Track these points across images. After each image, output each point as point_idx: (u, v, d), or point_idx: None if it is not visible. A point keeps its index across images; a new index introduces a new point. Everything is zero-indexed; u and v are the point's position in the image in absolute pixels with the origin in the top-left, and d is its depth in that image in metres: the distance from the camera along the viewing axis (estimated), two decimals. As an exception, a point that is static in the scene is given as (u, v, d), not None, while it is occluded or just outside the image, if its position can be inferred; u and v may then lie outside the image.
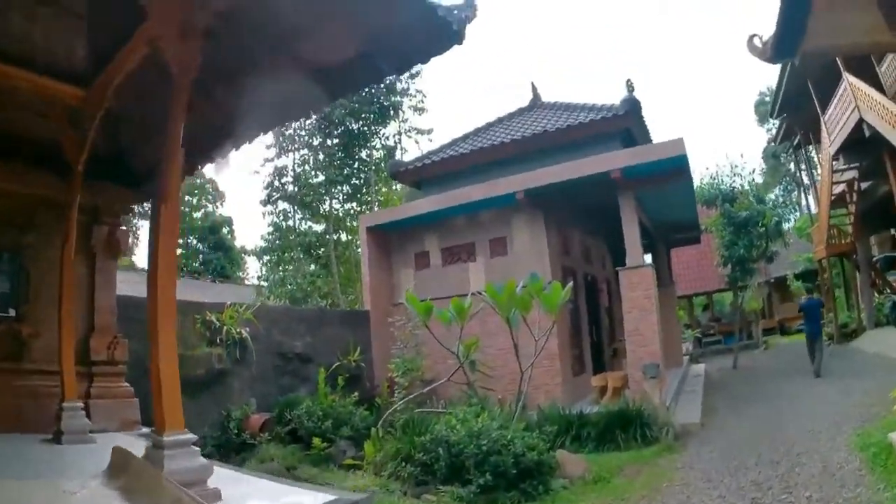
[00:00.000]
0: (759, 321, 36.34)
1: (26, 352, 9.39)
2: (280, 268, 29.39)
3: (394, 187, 31.14)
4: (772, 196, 30.49)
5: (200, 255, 55.84)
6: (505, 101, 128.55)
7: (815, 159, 33.64)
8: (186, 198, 58.53)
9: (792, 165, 58.60)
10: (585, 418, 13.27)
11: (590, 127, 18.60)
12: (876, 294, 26.78)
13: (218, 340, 13.67)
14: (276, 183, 29.35)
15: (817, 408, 13.93)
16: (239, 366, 14.12)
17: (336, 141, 29.99)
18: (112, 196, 10.51)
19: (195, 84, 6.33)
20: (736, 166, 26.00)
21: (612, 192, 16.52)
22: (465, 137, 21.79)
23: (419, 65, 7.92)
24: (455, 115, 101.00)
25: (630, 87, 18.16)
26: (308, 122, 29.39)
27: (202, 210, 59.07)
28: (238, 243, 56.23)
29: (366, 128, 30.49)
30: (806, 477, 8.67)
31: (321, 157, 29.63)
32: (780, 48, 8.51)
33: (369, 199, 30.10)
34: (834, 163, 24.49)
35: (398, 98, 31.48)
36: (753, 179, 26.33)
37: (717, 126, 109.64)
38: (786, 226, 28.31)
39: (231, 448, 12.44)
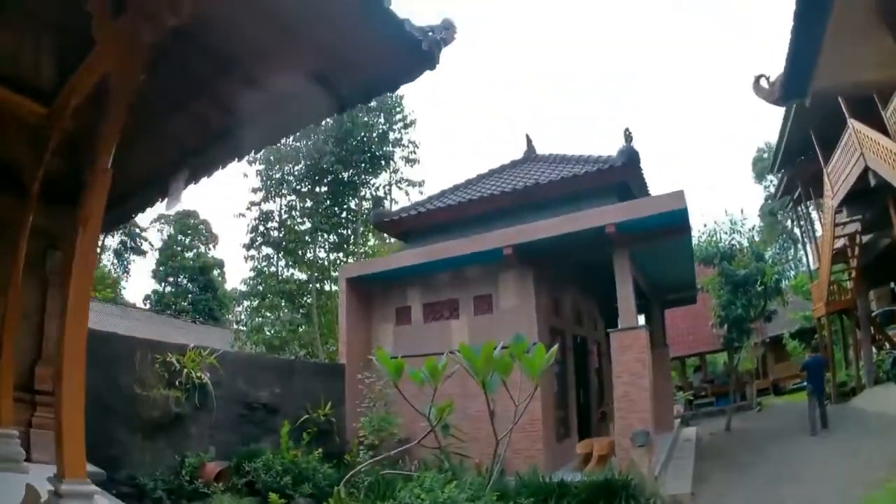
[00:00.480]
0: (754, 382, 35.22)
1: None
2: (259, 314, 28.08)
3: (386, 240, 30.07)
4: (769, 253, 29.14)
5: (190, 296, 55.20)
6: (502, 152, 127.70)
7: (815, 215, 33.00)
8: (179, 237, 58.09)
9: (789, 223, 58.27)
10: (567, 488, 12.20)
11: (584, 180, 17.60)
12: (875, 350, 25.87)
13: (177, 383, 12.83)
14: (262, 227, 28.29)
15: (818, 474, 13.08)
16: (199, 411, 13.26)
17: (325, 189, 29.11)
18: (70, 221, 9.44)
19: (140, 108, 5.88)
20: (735, 223, 24.99)
21: (606, 248, 15.59)
22: (455, 189, 20.88)
23: (387, 92, 6.88)
24: (449, 166, 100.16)
25: (628, 136, 17.14)
26: (297, 167, 28.47)
27: (194, 250, 58.38)
28: (229, 286, 54.64)
29: (356, 177, 29.69)
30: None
31: (308, 203, 28.62)
32: (789, 88, 8.10)
33: (356, 250, 29.13)
34: (836, 216, 23.63)
35: (390, 148, 30.71)
36: (753, 237, 25.18)
37: (713, 184, 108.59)
38: (784, 283, 27.00)
39: (183, 495, 11.74)
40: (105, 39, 5.56)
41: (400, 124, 30.67)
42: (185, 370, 13.07)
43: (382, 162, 30.19)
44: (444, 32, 6.24)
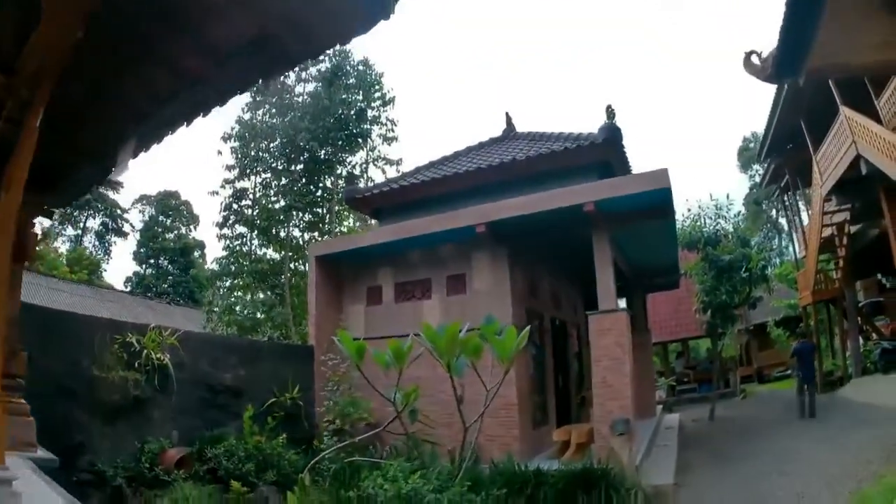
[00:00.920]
0: (737, 369, 35.10)
1: None
2: (231, 294, 27.11)
3: (365, 221, 29.12)
4: (754, 240, 28.43)
5: (170, 278, 54.53)
6: (484, 132, 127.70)
7: (801, 205, 32.77)
8: (160, 218, 57.36)
9: (774, 212, 57.97)
10: (543, 477, 11.31)
11: (564, 157, 16.66)
12: (862, 341, 25.31)
13: (136, 365, 12.11)
14: (235, 206, 27.32)
15: (807, 465, 12.34)
16: (160, 395, 12.59)
17: (301, 167, 28.13)
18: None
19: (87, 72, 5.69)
20: (720, 208, 24.09)
21: (585, 228, 14.77)
22: (430, 165, 19.88)
23: (340, 44, 5.99)
24: (428, 145, 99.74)
25: (610, 113, 16.22)
26: (272, 144, 27.55)
27: (175, 232, 57.62)
28: (209, 267, 53.55)
29: (332, 155, 28.74)
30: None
31: (284, 182, 27.68)
32: (782, 65, 7.85)
33: (332, 229, 28.23)
34: (825, 204, 23.15)
35: (368, 125, 29.77)
36: (739, 223, 24.37)
37: (698, 173, 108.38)
38: (770, 270, 26.31)
39: (143, 483, 11.03)
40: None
41: (378, 102, 29.82)
42: (145, 351, 12.37)
43: (360, 140, 29.32)
44: (401, -23, 5.34)
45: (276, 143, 27.51)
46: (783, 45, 7.38)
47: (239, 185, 27.81)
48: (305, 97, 28.79)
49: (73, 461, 9.92)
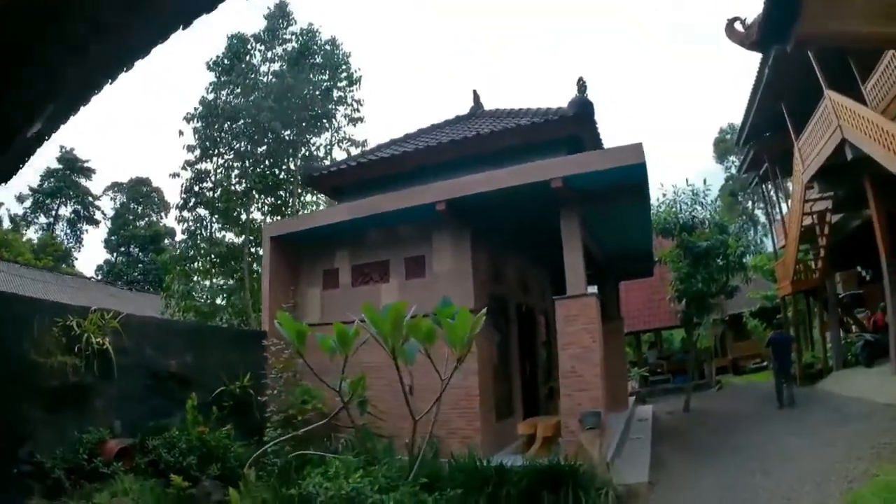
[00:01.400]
0: (713, 360, 34.34)
1: None
2: (190, 279, 25.86)
3: (330, 204, 27.92)
4: (732, 228, 27.51)
5: (140, 265, 53.48)
6: (452, 113, 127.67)
7: (776, 197, 32.03)
8: (132, 205, 56.52)
9: (750, 204, 57.59)
10: (506, 474, 10.48)
11: (531, 132, 15.52)
12: (843, 333, 24.72)
13: (76, 350, 11.12)
14: (196, 188, 26.11)
15: (792, 463, 11.56)
16: (102, 382, 11.57)
17: (264, 148, 27.06)
18: None
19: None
20: (697, 193, 23.00)
21: (553, 207, 13.61)
22: (392, 143, 18.58)
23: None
24: (394, 127, 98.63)
25: (581, 86, 15.09)
26: (235, 125, 26.27)
27: (146, 219, 56.59)
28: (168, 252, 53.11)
29: (296, 136, 27.67)
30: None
31: (246, 163, 26.43)
32: (769, 31, 7.49)
33: (294, 212, 26.90)
34: (807, 192, 22.29)
35: (333, 106, 28.77)
36: (717, 209, 23.34)
37: (673, 163, 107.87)
38: (748, 258, 25.43)
39: (83, 475, 10.12)
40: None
41: (345, 82, 28.79)
42: (86, 335, 11.37)
43: (324, 120, 28.29)
44: None
45: (240, 123, 26.35)
46: (770, 10, 7.04)
47: (201, 166, 26.71)
48: (271, 77, 27.72)
49: (13, 451, 9.48)
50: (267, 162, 26.81)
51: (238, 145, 26.63)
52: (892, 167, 14.54)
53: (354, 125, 29.35)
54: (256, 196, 26.70)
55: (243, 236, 25.97)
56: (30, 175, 54.94)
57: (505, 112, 18.04)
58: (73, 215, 59.53)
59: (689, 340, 26.04)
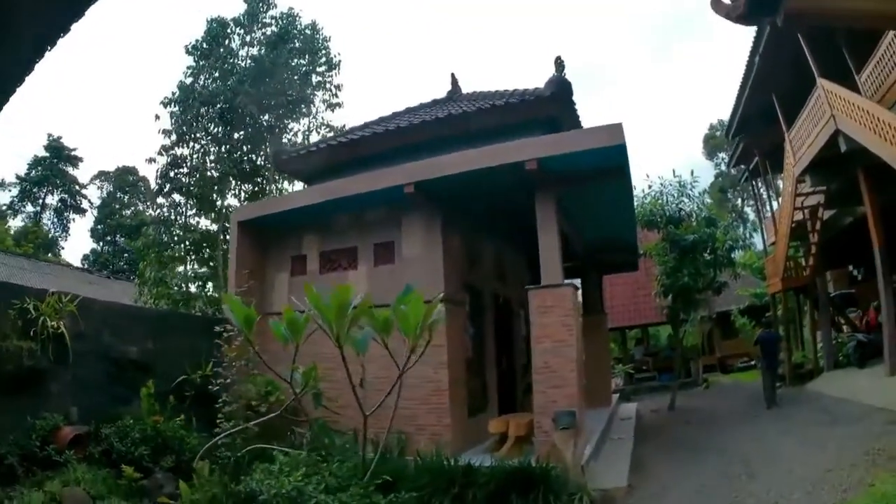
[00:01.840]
0: (700, 357, 33.84)
1: None
2: (163, 266, 24.97)
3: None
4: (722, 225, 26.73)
5: (126, 255, 52.67)
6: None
7: (766, 194, 31.89)
8: (118, 195, 55.87)
9: (739, 201, 57.21)
10: (474, 474, 9.87)
11: (506, 113, 14.73)
12: (834, 333, 23.96)
13: (32, 333, 11.00)
14: (171, 173, 25.28)
15: (781, 467, 10.80)
16: (58, 367, 11.41)
17: (242, 133, 26.37)
18: None
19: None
20: (684, 185, 22.22)
21: (529, 191, 12.74)
22: (365, 126, 17.79)
23: None
24: (373, 113, 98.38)
25: (559, 65, 14.28)
26: (212, 109, 25.51)
27: (132, 208, 55.84)
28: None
29: (274, 122, 26.97)
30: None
31: (223, 149, 25.74)
32: (756, 2, 7.37)
33: (270, 197, 26.00)
34: (798, 186, 21.53)
35: (311, 91, 28.10)
36: (704, 202, 22.51)
37: (662, 160, 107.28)
38: (736, 253, 24.65)
39: (36, 462, 10.10)
40: None
41: (324, 67, 28.09)
42: (42, 318, 11.20)
43: (302, 106, 27.56)
44: None
45: (217, 108, 25.60)
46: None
47: (177, 151, 25.92)
48: (249, 62, 26.93)
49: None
50: (244, 148, 26.17)
51: (215, 130, 25.89)
52: (888, 158, 13.86)
53: (333, 111, 28.65)
54: (233, 182, 25.96)
55: (218, 224, 25.15)
56: (18, 164, 54.35)
57: (483, 95, 17.17)
58: (59, 204, 58.59)
59: (675, 337, 25.18)
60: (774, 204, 28.95)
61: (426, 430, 12.62)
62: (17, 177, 56.37)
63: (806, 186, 21.66)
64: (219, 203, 25.48)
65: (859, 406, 15.06)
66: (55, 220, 58.99)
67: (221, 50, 26.74)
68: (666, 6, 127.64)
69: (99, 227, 55.50)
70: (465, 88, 18.95)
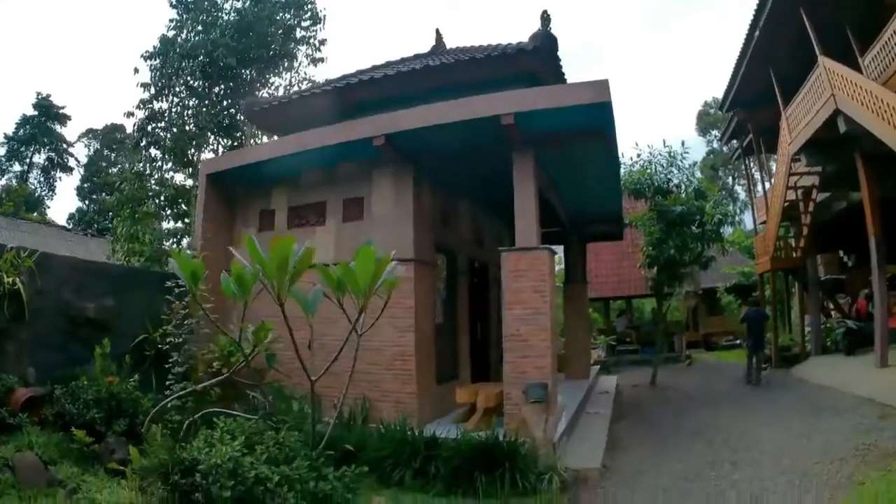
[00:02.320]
0: (683, 333, 33.13)
1: None
2: (137, 221, 24.16)
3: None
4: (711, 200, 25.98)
5: (110, 213, 51.79)
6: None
7: (760, 174, 31.00)
8: (105, 152, 55.14)
9: (730, 180, 56.81)
10: (437, 447, 9.45)
11: (486, 67, 14.03)
12: (823, 317, 23.57)
13: None
14: (149, 127, 24.52)
15: (766, 457, 10.14)
16: (14, 324, 10.65)
17: (222, 87, 25.69)
18: None
19: None
20: (674, 155, 21.39)
21: (506, 148, 11.88)
22: (342, 78, 16.91)
23: None
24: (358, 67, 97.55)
25: (545, 19, 13.51)
26: (192, 63, 24.77)
27: (119, 166, 55.33)
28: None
29: (255, 75, 26.24)
30: None
31: (203, 104, 25.16)
32: None
33: (246, 151, 25.48)
34: (793, 165, 21.09)
35: (294, 45, 27.38)
36: (694, 173, 21.78)
37: (653, 135, 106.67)
38: (725, 228, 24.01)
39: None
40: None
41: (309, 21, 27.39)
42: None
43: (285, 60, 26.84)
44: None
45: (198, 61, 24.79)
46: None
47: (155, 105, 25.19)
48: (233, 14, 26.13)
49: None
50: (224, 103, 25.51)
51: (195, 84, 25.25)
52: (892, 142, 13.34)
53: (316, 65, 28.10)
54: (211, 137, 25.26)
55: (193, 179, 24.47)
56: (5, 122, 53.66)
57: (467, 49, 16.36)
58: (46, 163, 57.96)
59: (659, 311, 24.59)
60: (767, 184, 28.45)
61: (390, 396, 12.07)
62: (5, 136, 55.78)
63: (801, 166, 21.11)
64: (195, 158, 24.80)
65: (848, 396, 14.56)
66: (42, 178, 58.44)
67: (206, 3, 26.01)
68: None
69: (85, 185, 54.93)
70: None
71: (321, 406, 10.67)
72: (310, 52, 27.68)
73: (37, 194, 54.82)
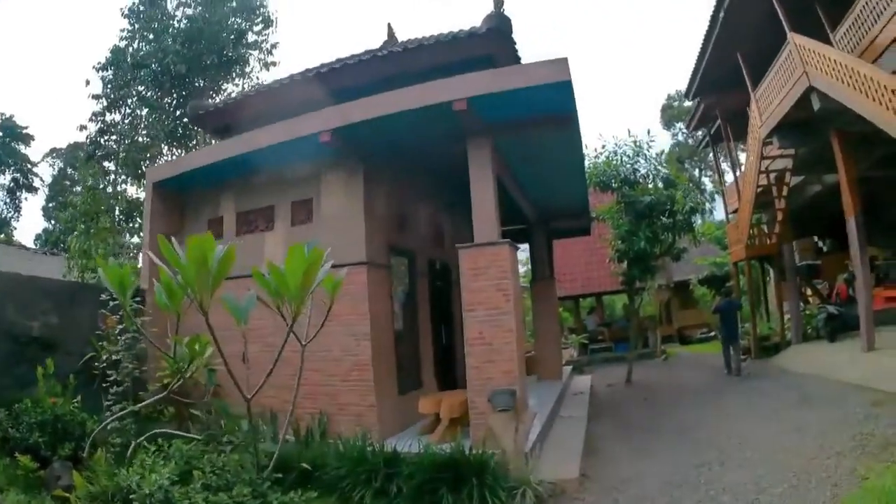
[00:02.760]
0: (657, 328, 32.42)
1: None
2: (90, 237, 23.20)
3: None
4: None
5: (75, 233, 50.98)
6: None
7: (728, 163, 30.75)
8: (69, 171, 54.80)
9: (697, 172, 56.61)
10: (398, 463, 8.54)
11: (437, 53, 13.20)
12: (802, 304, 23.08)
13: None
14: (101, 140, 23.68)
15: (758, 454, 9.42)
16: None
17: (174, 97, 24.83)
18: None
19: None
20: (640, 145, 20.61)
21: (461, 139, 11.07)
22: (289, 76, 15.93)
23: None
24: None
25: (498, 1, 12.44)
26: (144, 72, 23.76)
27: (81, 184, 54.25)
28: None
29: (207, 82, 25.47)
30: None
31: (155, 114, 24.17)
32: None
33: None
34: (764, 149, 20.31)
35: (245, 50, 26.85)
36: (662, 162, 20.99)
37: (616, 129, 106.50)
38: (697, 217, 23.40)
39: None
40: None
41: (261, 25, 26.85)
42: None
43: (237, 66, 26.20)
44: None
45: (149, 70, 23.87)
46: None
47: (108, 118, 24.31)
48: (184, 22, 25.14)
49: None
50: (177, 112, 24.61)
51: (147, 94, 24.41)
52: (869, 114, 12.86)
53: (268, 69, 27.62)
54: (165, 147, 24.20)
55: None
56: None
57: (419, 41, 15.33)
58: (11, 184, 56.75)
59: (631, 306, 23.83)
60: (738, 171, 27.90)
61: (349, 409, 11.24)
62: (-31, 158, 54.19)
63: (773, 150, 20.43)
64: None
65: (835, 383, 14.01)
66: (7, 199, 57.24)
67: (157, 11, 25.25)
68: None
69: (50, 205, 54.14)
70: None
71: (277, 423, 10.42)
72: (262, 56, 27.36)
73: (3, 215, 53.81)
